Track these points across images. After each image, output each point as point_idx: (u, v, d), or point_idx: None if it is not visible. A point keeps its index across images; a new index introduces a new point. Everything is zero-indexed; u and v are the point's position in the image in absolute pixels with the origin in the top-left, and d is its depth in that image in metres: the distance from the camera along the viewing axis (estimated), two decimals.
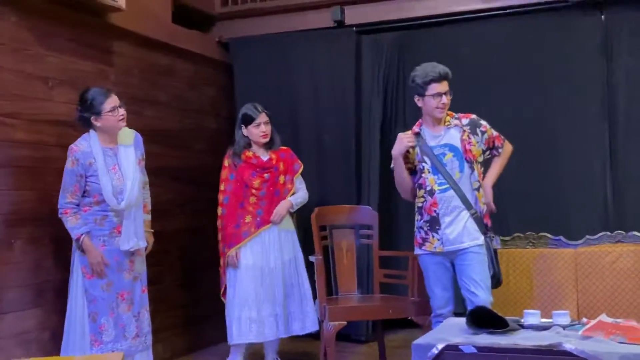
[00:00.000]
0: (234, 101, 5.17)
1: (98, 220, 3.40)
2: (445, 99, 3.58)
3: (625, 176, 4.79)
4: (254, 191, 4.24)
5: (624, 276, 4.14)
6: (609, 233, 4.31)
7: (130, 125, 3.59)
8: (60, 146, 3.56)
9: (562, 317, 3.06)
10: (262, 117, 4.23)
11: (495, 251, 3.67)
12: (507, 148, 3.79)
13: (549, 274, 4.19)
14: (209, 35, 5.42)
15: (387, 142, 5.17)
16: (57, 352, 3.45)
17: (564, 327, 2.97)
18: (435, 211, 3.59)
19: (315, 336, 4.31)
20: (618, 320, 3.01)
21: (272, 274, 4.24)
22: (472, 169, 3.59)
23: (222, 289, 4.29)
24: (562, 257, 4.31)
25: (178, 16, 4.99)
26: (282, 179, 4.32)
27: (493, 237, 3.65)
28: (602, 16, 4.76)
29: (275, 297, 4.22)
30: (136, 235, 3.47)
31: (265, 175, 4.27)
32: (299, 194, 4.37)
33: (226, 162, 4.30)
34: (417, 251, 3.71)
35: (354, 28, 5.26)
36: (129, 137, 3.57)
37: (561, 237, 4.32)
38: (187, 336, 4.83)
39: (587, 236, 4.32)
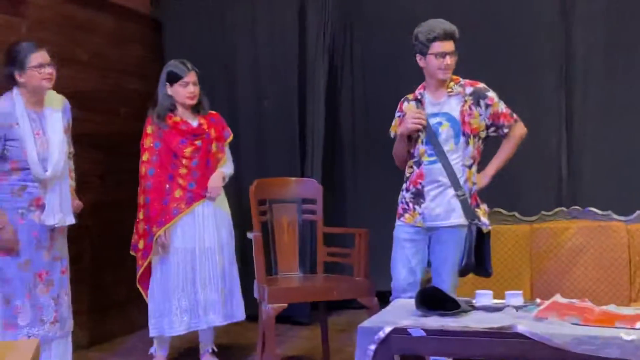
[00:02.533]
0: (162, 61, 5.06)
1: (16, 190, 3.31)
2: (449, 60, 3.53)
3: (581, 150, 4.99)
4: (184, 161, 4.14)
5: (579, 254, 4.27)
6: (564, 209, 4.45)
7: None
8: None
9: (515, 297, 3.15)
10: (191, 76, 4.10)
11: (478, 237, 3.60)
12: (517, 131, 3.71)
13: (502, 252, 4.28)
14: None
15: (333, 110, 5.49)
16: None
17: (517, 308, 3.06)
18: (420, 184, 3.63)
19: (254, 319, 4.30)
20: (573, 300, 3.12)
21: (207, 255, 4.18)
22: (468, 144, 3.60)
23: (139, 275, 4.19)
24: (516, 234, 4.43)
25: None
26: (214, 147, 4.24)
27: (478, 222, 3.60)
28: None
29: (211, 282, 4.15)
30: (62, 210, 3.38)
31: (197, 142, 4.18)
32: (228, 165, 4.31)
33: (149, 129, 4.13)
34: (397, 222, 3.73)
35: None
36: (57, 101, 3.48)
37: (515, 213, 4.44)
38: (109, 321, 4.78)
39: (543, 212, 4.44)
